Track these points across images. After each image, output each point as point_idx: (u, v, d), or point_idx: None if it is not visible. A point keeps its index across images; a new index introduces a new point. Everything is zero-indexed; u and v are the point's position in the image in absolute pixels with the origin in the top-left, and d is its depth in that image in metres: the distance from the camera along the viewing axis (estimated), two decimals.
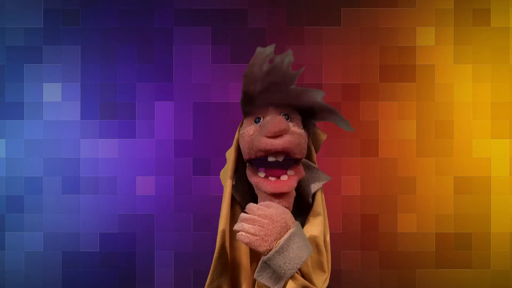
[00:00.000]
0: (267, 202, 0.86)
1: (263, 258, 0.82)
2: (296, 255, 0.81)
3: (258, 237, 0.80)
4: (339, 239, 1.72)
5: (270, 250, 0.81)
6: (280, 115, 0.91)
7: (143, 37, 1.79)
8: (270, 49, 0.85)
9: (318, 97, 0.91)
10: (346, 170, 1.75)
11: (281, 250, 0.80)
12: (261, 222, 0.81)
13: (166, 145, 1.77)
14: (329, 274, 0.93)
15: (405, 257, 1.75)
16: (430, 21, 1.78)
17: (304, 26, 1.78)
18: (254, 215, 0.83)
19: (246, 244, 0.81)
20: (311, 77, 1.74)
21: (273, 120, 0.87)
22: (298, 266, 0.81)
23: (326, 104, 0.91)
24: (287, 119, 0.92)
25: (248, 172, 0.94)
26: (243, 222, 0.83)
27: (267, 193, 0.89)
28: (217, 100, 1.76)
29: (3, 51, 1.77)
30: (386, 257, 1.75)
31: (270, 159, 0.88)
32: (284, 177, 0.90)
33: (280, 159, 0.88)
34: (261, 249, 0.81)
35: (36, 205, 1.76)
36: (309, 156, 0.98)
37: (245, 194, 0.98)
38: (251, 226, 0.81)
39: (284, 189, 0.88)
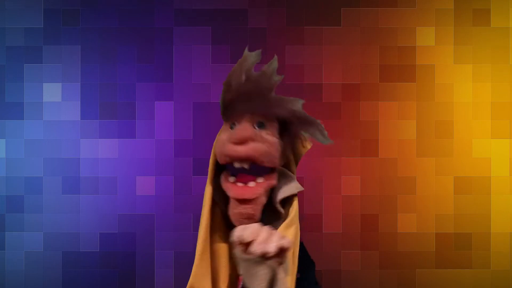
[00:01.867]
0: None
1: (285, 263, 0.80)
2: None
3: (286, 236, 0.79)
4: (339, 239, 1.72)
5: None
6: (254, 122, 0.91)
7: (143, 37, 1.79)
8: (255, 57, 0.86)
9: (297, 106, 0.90)
10: (346, 170, 1.75)
11: None
12: (268, 227, 0.79)
13: (166, 145, 1.78)
14: None
15: (405, 257, 1.75)
16: (430, 21, 1.78)
17: (304, 26, 1.78)
18: (261, 230, 0.77)
19: (289, 248, 0.76)
20: (311, 77, 1.74)
21: (239, 127, 0.89)
22: None
23: (306, 114, 0.91)
24: (261, 127, 0.91)
25: (222, 177, 0.94)
26: (270, 241, 0.75)
27: (233, 198, 0.90)
28: (217, 100, 1.75)
29: (3, 51, 1.78)
30: (386, 257, 1.75)
31: (236, 165, 0.89)
32: (251, 184, 0.89)
33: (246, 166, 0.88)
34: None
35: (36, 205, 1.76)
36: (287, 165, 0.97)
37: (223, 198, 0.96)
38: (275, 234, 0.76)
39: (247, 195, 0.88)
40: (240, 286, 0.91)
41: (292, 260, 0.89)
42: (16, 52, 1.78)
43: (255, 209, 0.90)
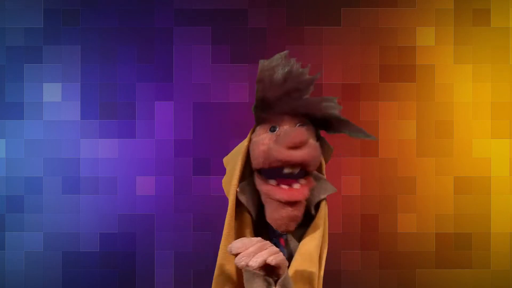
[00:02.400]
0: (242, 238, 0.82)
1: (281, 280, 0.79)
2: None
3: (281, 253, 0.78)
4: (339, 239, 1.72)
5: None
6: (296, 124, 0.89)
7: (143, 37, 1.79)
8: (283, 54, 0.83)
9: (335, 107, 0.89)
10: (346, 170, 1.75)
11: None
12: (267, 243, 0.79)
13: (166, 145, 1.78)
14: None
15: (405, 257, 1.75)
16: (430, 21, 1.78)
17: (304, 26, 1.78)
18: (252, 244, 0.77)
19: (277, 264, 0.76)
20: None
21: (294, 131, 0.84)
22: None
23: (340, 115, 0.90)
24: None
25: (258, 180, 0.90)
26: (257, 254, 0.76)
27: (281, 201, 0.85)
28: (217, 100, 1.76)
29: (3, 51, 1.78)
30: (386, 257, 1.75)
31: (286, 170, 0.85)
32: (296, 185, 0.87)
33: (296, 171, 0.85)
34: (287, 264, 0.79)
35: (36, 205, 1.76)
36: (318, 167, 0.95)
37: (252, 203, 0.93)
38: (267, 249, 0.76)
39: (298, 197, 0.85)
40: None
41: (320, 263, 0.89)
42: (16, 52, 1.78)
43: (301, 211, 0.88)
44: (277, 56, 0.83)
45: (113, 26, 1.79)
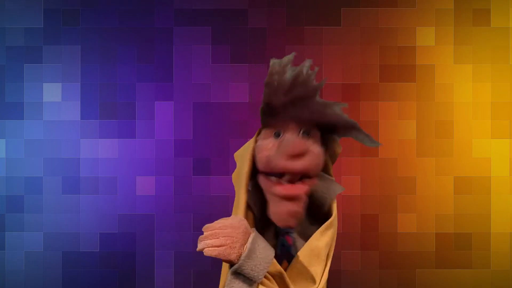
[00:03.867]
0: (222, 218, 0.86)
1: (233, 268, 0.82)
2: (264, 255, 0.82)
3: (226, 246, 0.80)
4: (339, 239, 1.72)
5: (239, 257, 0.81)
6: (300, 131, 0.90)
7: (143, 37, 1.79)
8: (289, 57, 0.85)
9: (340, 111, 0.90)
10: (346, 170, 1.75)
11: (249, 254, 0.81)
12: (224, 232, 0.82)
13: (166, 145, 1.78)
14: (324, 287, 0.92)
15: (405, 257, 1.75)
16: (430, 21, 1.78)
17: (304, 26, 1.78)
18: (213, 229, 0.82)
19: (216, 256, 0.81)
20: None
21: (294, 140, 0.86)
22: (268, 266, 0.82)
23: (347, 118, 0.91)
24: (307, 136, 0.91)
25: (260, 177, 0.93)
26: (205, 239, 0.82)
27: (279, 196, 0.89)
28: (217, 100, 1.76)
29: (3, 51, 1.78)
30: (386, 257, 1.75)
31: (287, 177, 0.88)
32: (297, 182, 0.89)
33: (297, 178, 0.89)
34: (232, 257, 0.81)
35: (36, 205, 1.76)
36: (325, 169, 0.97)
37: (256, 201, 0.96)
38: (216, 239, 0.81)
39: (297, 192, 0.88)
40: None
41: (327, 261, 0.91)
42: (16, 52, 1.78)
43: (302, 206, 0.90)
44: (287, 57, 0.85)
45: (113, 26, 1.79)
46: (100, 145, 1.78)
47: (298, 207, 0.89)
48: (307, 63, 0.86)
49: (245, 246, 0.82)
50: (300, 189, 0.88)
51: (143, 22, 1.79)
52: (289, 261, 0.92)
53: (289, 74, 0.85)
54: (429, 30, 1.78)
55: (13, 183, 1.77)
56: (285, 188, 0.88)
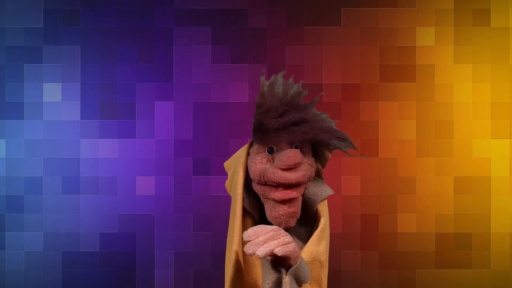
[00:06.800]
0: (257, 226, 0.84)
1: (293, 268, 0.79)
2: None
3: (292, 244, 0.77)
4: (339, 239, 1.72)
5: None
6: (292, 145, 0.92)
7: (143, 37, 1.79)
8: (279, 77, 0.88)
9: (332, 129, 0.93)
10: (346, 170, 1.75)
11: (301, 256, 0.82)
12: (280, 232, 0.79)
13: (166, 145, 1.78)
14: None
15: (405, 257, 1.75)
16: (430, 21, 1.79)
17: (304, 26, 1.78)
18: (266, 232, 0.78)
19: (288, 254, 0.76)
20: (311, 77, 1.74)
21: (288, 153, 0.87)
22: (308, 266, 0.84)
23: (339, 135, 0.94)
24: (298, 147, 0.93)
25: (254, 184, 0.95)
26: (264, 243, 0.76)
27: (277, 201, 0.90)
28: (217, 100, 1.76)
29: (3, 51, 1.78)
30: (386, 257, 1.75)
31: (281, 188, 0.90)
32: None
33: (292, 187, 0.90)
34: (299, 254, 0.80)
35: (36, 205, 1.76)
36: (316, 171, 0.99)
37: (254, 206, 0.97)
38: (278, 239, 0.77)
39: (292, 195, 0.89)
40: None
41: (326, 264, 0.92)
42: (16, 52, 1.78)
43: (298, 206, 0.92)
44: (276, 76, 0.89)
45: (113, 26, 1.79)
46: (100, 145, 1.78)
47: (295, 208, 0.91)
48: (295, 87, 0.89)
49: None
50: (297, 192, 0.90)
51: (143, 22, 1.79)
52: None
53: (280, 85, 0.88)
54: (429, 30, 1.78)
55: (13, 183, 1.77)
56: (282, 193, 0.89)
